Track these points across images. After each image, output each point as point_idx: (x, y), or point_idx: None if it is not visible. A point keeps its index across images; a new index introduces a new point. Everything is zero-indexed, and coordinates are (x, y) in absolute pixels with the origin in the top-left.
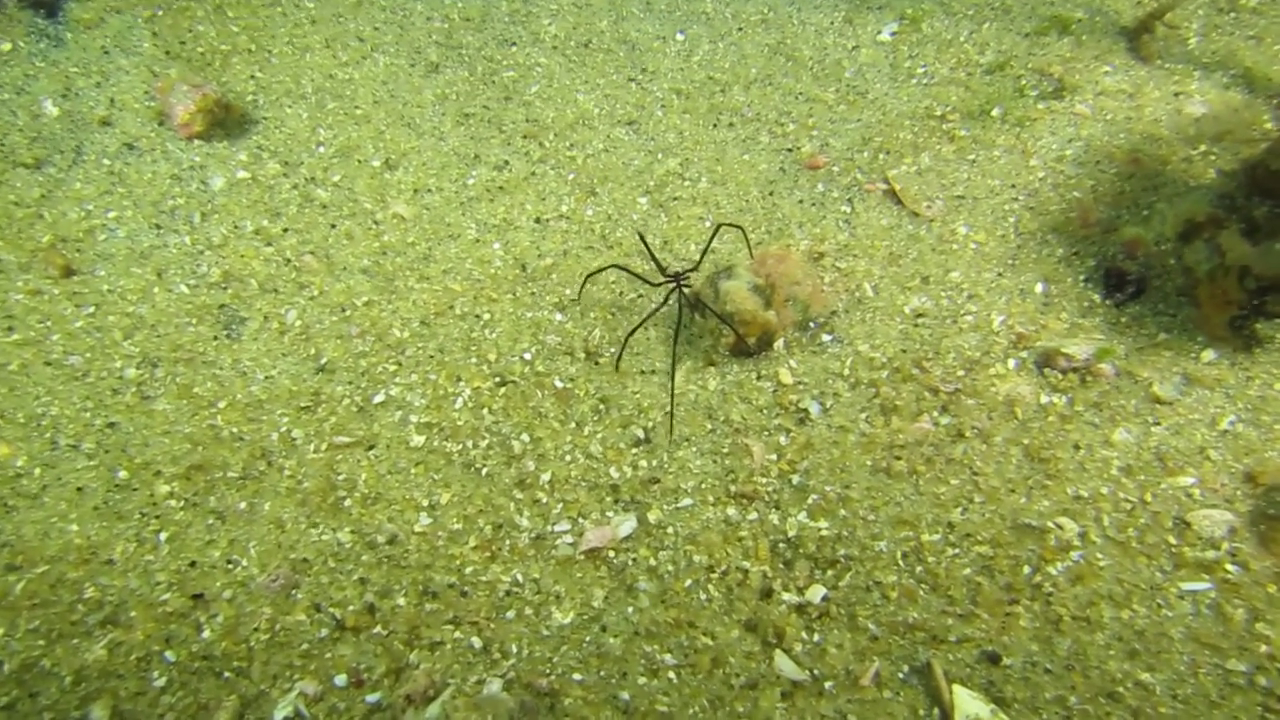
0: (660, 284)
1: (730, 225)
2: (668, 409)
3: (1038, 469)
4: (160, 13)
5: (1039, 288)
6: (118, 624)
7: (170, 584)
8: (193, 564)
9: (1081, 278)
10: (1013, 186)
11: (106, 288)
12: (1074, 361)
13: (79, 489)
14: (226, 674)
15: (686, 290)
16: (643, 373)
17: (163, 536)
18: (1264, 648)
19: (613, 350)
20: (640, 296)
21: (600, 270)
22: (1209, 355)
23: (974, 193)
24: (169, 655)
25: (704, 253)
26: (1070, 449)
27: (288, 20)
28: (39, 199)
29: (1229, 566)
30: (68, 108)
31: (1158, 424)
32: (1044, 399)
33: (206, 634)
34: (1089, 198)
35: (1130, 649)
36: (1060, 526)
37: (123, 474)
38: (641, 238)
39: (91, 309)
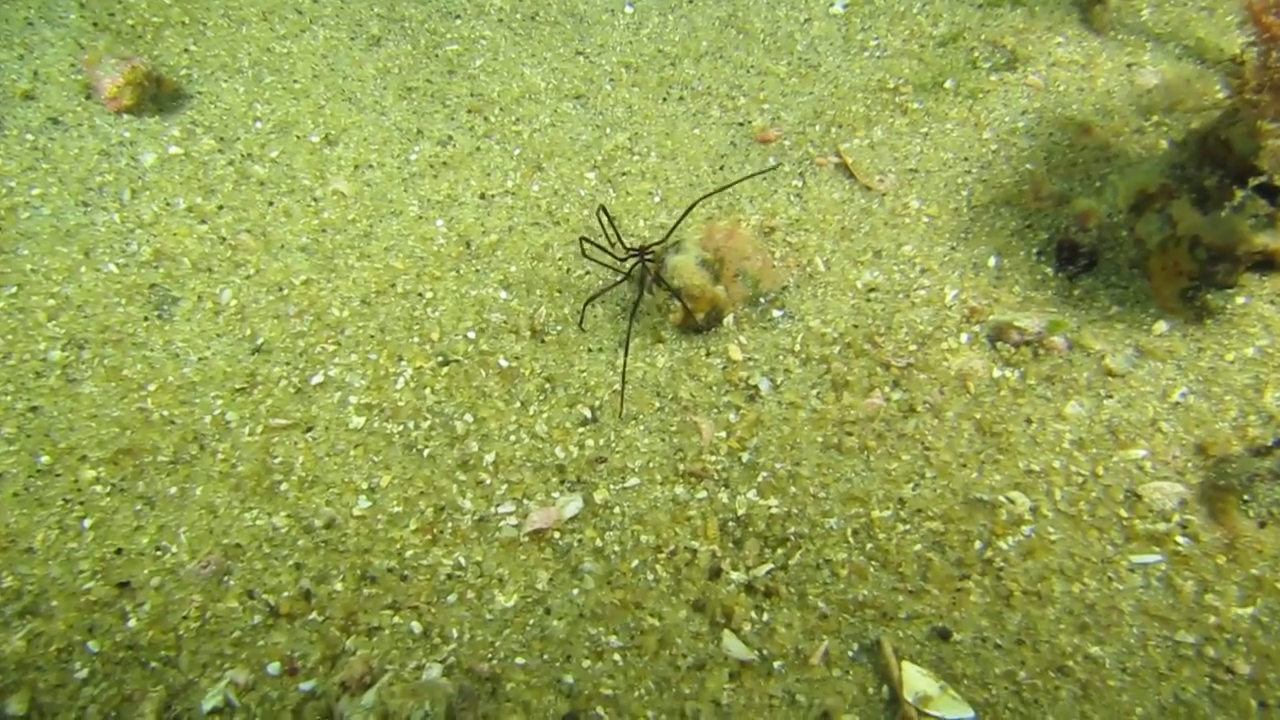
0: (626, 257)
1: (714, 193)
2: (616, 387)
3: (990, 443)
4: None
5: (991, 261)
6: (37, 614)
7: (94, 572)
8: (119, 551)
9: (1034, 250)
10: (965, 159)
11: (30, 267)
12: (1026, 335)
13: None
14: (153, 664)
15: (649, 264)
16: (590, 350)
17: (87, 523)
18: (1212, 619)
19: (559, 328)
20: (588, 273)
21: (581, 240)
22: (1161, 327)
23: (926, 166)
24: (92, 645)
25: (672, 229)
26: (1022, 423)
27: None
28: None
29: (1179, 539)
30: None
31: (1109, 397)
32: (996, 373)
33: (132, 623)
34: (1041, 170)
35: (1081, 622)
36: (1012, 501)
37: (45, 459)
38: (604, 211)
39: (13, 289)
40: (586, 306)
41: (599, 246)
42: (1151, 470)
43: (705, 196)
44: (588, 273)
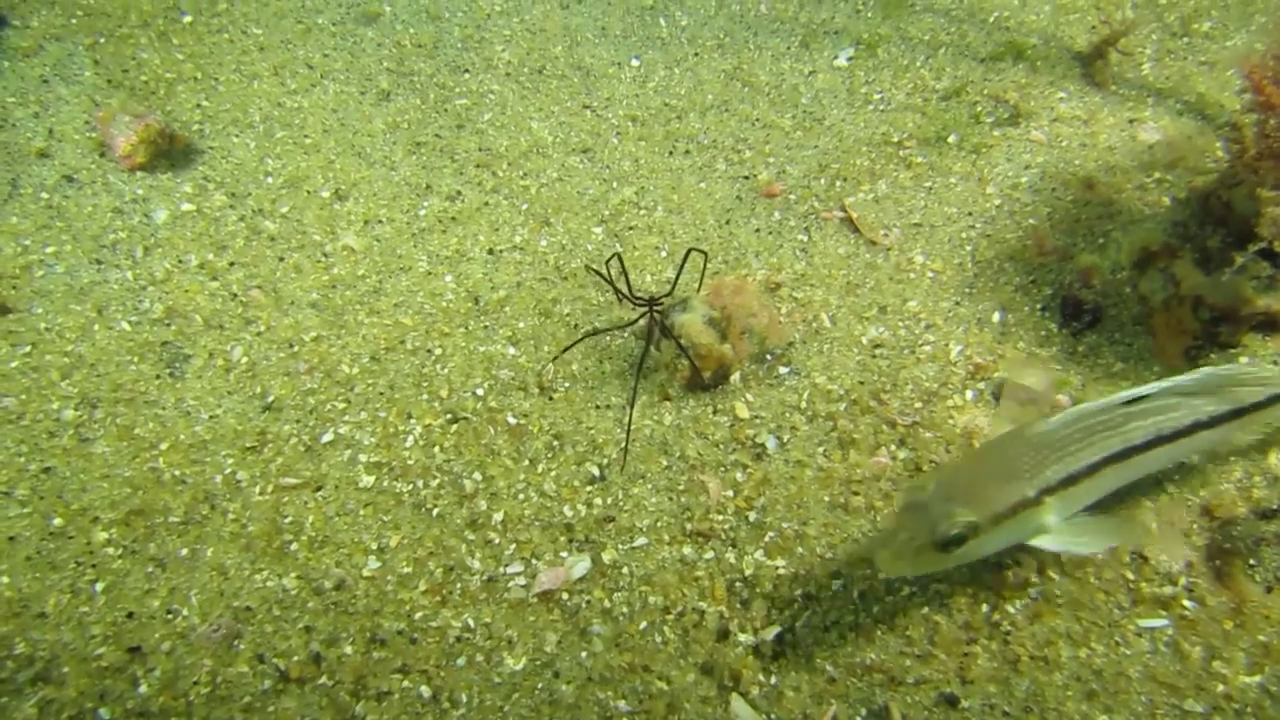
0: (635, 304)
1: (697, 250)
2: (623, 443)
3: None
4: (102, 40)
5: (996, 317)
6: (49, 680)
7: (106, 637)
8: (130, 615)
9: (1038, 306)
10: (969, 214)
11: (44, 326)
12: (1031, 393)
13: (10, 538)
14: None
15: (658, 315)
16: (598, 407)
17: (99, 586)
18: (1220, 687)
19: (567, 385)
20: (601, 318)
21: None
22: None
23: (931, 220)
24: (103, 713)
25: (676, 278)
26: None
27: (235, 47)
28: None
29: (1186, 602)
30: (4, 139)
31: None
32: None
33: (143, 689)
34: (1045, 225)
35: (1088, 689)
36: (1018, 563)
37: (58, 521)
38: (620, 259)
39: (28, 348)
40: (583, 339)
41: (613, 285)
42: (1156, 531)
43: (693, 250)
44: (599, 319)
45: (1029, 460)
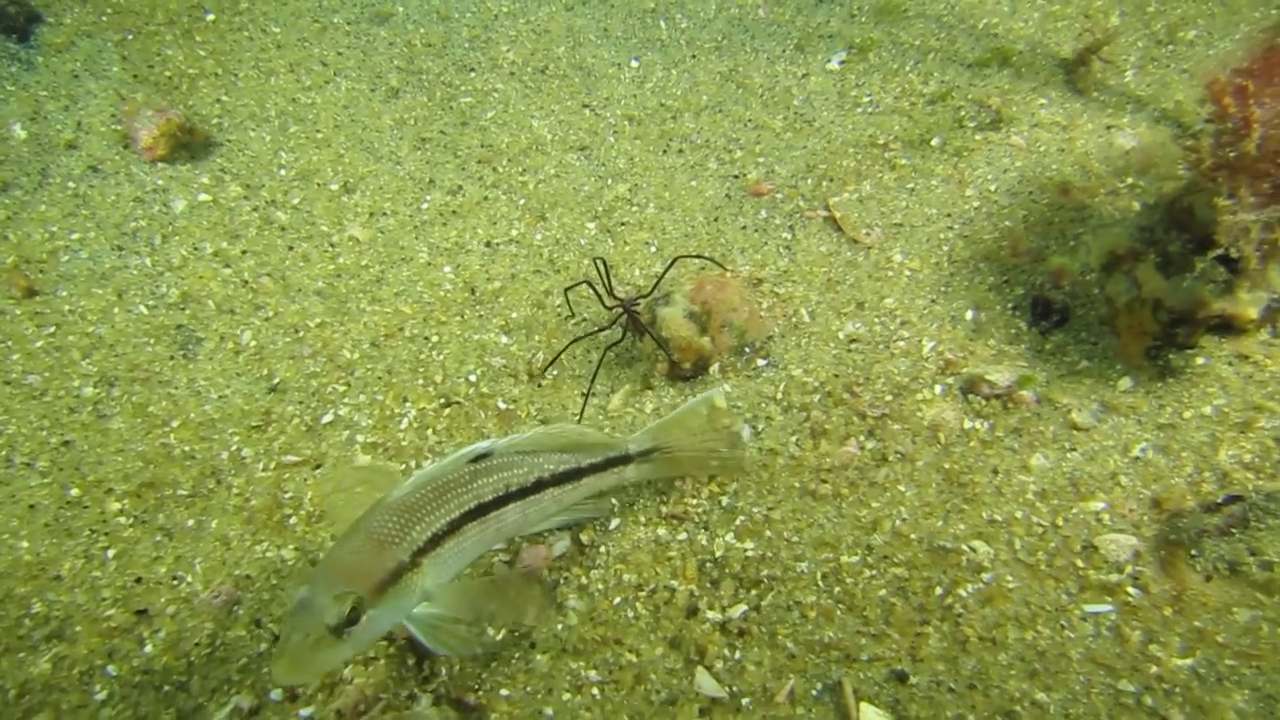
0: (612, 307)
1: (695, 257)
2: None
3: (956, 493)
4: (130, 37)
5: (969, 314)
6: (63, 639)
7: (116, 600)
8: (139, 580)
9: (1010, 305)
10: (948, 215)
11: (67, 308)
12: (997, 388)
13: (31, 506)
14: (166, 688)
15: (634, 314)
16: (583, 395)
17: (110, 553)
18: (1154, 669)
19: (555, 373)
20: (585, 319)
21: (575, 285)
22: (1126, 384)
23: (911, 220)
24: (111, 669)
25: (658, 281)
26: (989, 474)
27: (254, 45)
28: (4, 221)
29: (1130, 589)
30: (35, 131)
31: (1073, 450)
32: (967, 424)
33: (148, 649)
34: (1020, 227)
35: (1031, 669)
36: (974, 549)
37: (75, 491)
38: (604, 262)
39: (52, 329)
40: (557, 357)
41: (594, 289)
42: (1109, 522)
43: (686, 256)
44: (585, 319)
45: (395, 525)
